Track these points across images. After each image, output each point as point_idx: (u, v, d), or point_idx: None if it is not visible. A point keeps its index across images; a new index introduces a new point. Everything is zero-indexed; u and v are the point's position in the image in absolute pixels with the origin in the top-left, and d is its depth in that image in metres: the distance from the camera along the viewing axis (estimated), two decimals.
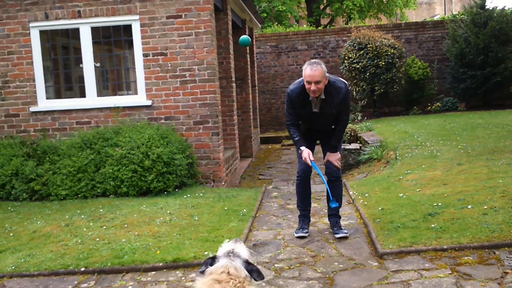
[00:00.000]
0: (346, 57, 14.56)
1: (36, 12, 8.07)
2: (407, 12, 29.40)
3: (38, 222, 6.09)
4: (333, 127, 5.22)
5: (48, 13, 8.05)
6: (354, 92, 14.78)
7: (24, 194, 7.37)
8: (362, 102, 14.91)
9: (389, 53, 13.91)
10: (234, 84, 10.00)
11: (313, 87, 4.79)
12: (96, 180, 7.32)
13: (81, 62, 8.26)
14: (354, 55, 14.23)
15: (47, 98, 8.35)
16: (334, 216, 5.36)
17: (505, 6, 14.93)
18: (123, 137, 7.51)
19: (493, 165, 6.64)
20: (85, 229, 5.64)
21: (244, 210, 6.27)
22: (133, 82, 8.96)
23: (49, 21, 8.08)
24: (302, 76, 4.97)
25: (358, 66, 14.11)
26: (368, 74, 14.03)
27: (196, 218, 5.87)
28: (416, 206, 5.52)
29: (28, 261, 4.81)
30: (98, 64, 8.68)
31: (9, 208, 7.01)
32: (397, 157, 8.39)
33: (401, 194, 6.11)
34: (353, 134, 10.98)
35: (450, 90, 15.20)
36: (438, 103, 14.70)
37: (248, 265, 2.60)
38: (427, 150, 8.38)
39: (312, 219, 5.68)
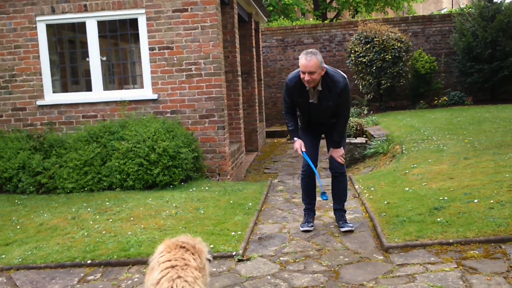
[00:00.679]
0: (352, 51, 14.50)
1: (43, 6, 8.08)
2: (414, 6, 29.22)
3: (45, 215, 6.13)
4: (334, 121, 5.15)
5: (54, 7, 8.07)
6: (360, 86, 14.74)
7: (31, 187, 7.42)
8: (369, 96, 14.86)
9: (395, 47, 13.84)
10: (240, 78, 10.00)
11: (307, 77, 4.70)
12: (102, 174, 7.35)
13: (87, 56, 8.28)
14: (361, 49, 14.17)
15: (53, 92, 8.38)
16: (339, 210, 5.35)
17: None
18: (129, 130, 7.53)
19: (500, 159, 6.61)
20: (91, 222, 5.67)
21: (250, 203, 6.28)
22: (139, 76, 8.97)
23: (55, 15, 8.10)
24: None
25: (364, 60, 14.05)
26: (374, 68, 13.97)
27: (202, 212, 5.89)
28: (422, 200, 5.51)
29: (35, 253, 4.84)
30: (104, 58, 8.71)
31: (16, 201, 7.06)
32: (403, 151, 8.36)
33: (407, 188, 6.10)
34: (359, 128, 10.95)
35: (457, 84, 15.12)
36: (445, 97, 14.62)
37: None
38: (433, 144, 8.35)
39: (317, 213, 5.68)
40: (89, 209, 6.22)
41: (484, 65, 13.77)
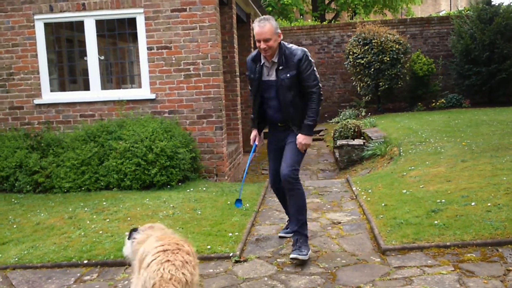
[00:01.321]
0: (350, 52, 14.51)
1: (41, 5, 8.06)
2: (413, 8, 29.25)
3: (42, 214, 6.11)
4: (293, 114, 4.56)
5: (52, 5, 8.05)
6: (358, 88, 14.76)
7: (27, 186, 7.40)
8: (367, 97, 14.88)
9: (394, 49, 13.86)
10: (238, 79, 9.99)
11: (262, 45, 4.36)
12: (100, 173, 7.34)
13: (85, 55, 8.26)
14: (359, 51, 14.18)
15: (51, 91, 8.36)
16: (296, 233, 4.55)
17: (511, 2, 14.83)
18: (126, 130, 7.51)
19: (497, 162, 6.62)
20: (88, 222, 5.66)
21: (247, 204, 6.27)
22: (137, 76, 8.96)
23: (53, 13, 8.08)
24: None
25: (362, 61, 14.06)
26: (372, 69, 13.99)
27: (199, 212, 5.88)
28: (419, 202, 5.51)
29: (31, 253, 4.83)
30: (102, 57, 8.68)
31: (13, 200, 7.04)
32: (401, 153, 8.37)
33: (405, 191, 6.10)
34: (357, 129, 10.95)
35: (455, 87, 15.14)
36: (442, 100, 14.63)
37: None
38: (431, 147, 8.35)
39: (314, 215, 5.70)
40: (86, 209, 6.21)
41: (482, 68, 13.79)
